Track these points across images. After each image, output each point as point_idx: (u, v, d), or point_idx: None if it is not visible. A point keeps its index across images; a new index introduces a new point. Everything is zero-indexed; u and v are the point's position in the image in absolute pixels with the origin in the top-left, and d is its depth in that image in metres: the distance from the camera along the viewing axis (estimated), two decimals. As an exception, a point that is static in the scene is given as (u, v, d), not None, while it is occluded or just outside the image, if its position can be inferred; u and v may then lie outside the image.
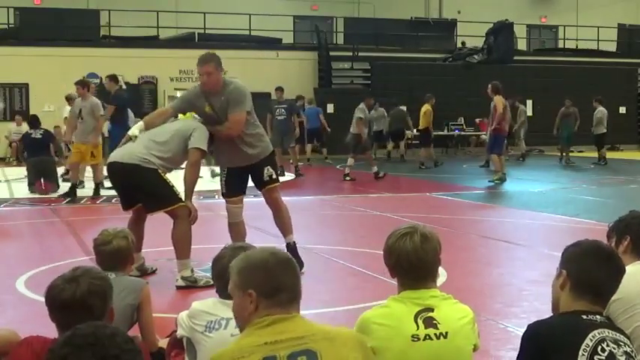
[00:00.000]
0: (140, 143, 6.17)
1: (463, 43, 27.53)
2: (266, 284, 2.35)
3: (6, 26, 23.82)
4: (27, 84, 22.44)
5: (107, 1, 25.06)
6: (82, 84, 12.52)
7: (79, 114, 12.25)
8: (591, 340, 2.46)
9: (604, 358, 2.44)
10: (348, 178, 15.37)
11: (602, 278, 2.61)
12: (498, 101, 14.48)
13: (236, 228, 6.52)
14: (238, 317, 2.41)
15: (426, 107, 18.72)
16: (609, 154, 21.48)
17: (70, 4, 24.43)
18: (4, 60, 21.54)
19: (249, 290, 2.34)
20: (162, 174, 6.11)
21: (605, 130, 19.78)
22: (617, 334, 2.53)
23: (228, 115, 6.25)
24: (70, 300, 2.50)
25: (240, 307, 2.38)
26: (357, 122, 15.90)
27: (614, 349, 2.46)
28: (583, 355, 2.44)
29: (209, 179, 13.35)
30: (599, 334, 2.48)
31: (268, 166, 6.52)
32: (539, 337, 2.54)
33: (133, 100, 14.30)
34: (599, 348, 2.45)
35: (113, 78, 13.69)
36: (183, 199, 6.18)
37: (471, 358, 2.81)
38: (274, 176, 6.56)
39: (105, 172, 12.85)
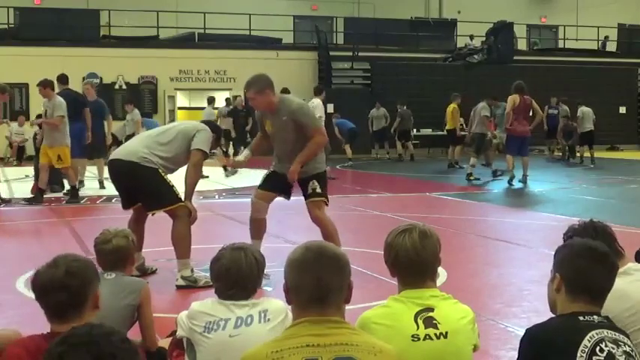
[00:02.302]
0: (142, 142, 6.19)
1: (471, 37, 27.39)
2: (292, 280, 2.39)
3: (6, 26, 23.82)
4: (27, 84, 22.43)
5: (107, 1, 25.07)
6: (43, 84, 11.76)
7: (45, 115, 11.76)
8: (589, 341, 2.46)
9: (603, 358, 2.44)
10: (472, 178, 15.20)
11: (596, 279, 2.60)
12: (509, 101, 14.37)
13: (256, 224, 6.47)
14: None
15: (452, 106, 18.68)
16: (610, 154, 21.50)
17: (70, 4, 24.44)
18: (4, 60, 21.54)
19: (284, 285, 2.41)
20: (163, 174, 6.11)
21: (587, 129, 19.66)
22: (617, 334, 2.53)
23: (308, 134, 6.24)
24: (48, 282, 2.54)
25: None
26: (483, 120, 15.83)
27: (613, 348, 2.46)
28: (581, 356, 2.44)
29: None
30: (597, 334, 2.48)
31: (314, 180, 6.40)
32: (537, 341, 2.53)
33: (74, 99, 12.90)
34: (598, 348, 2.45)
35: (60, 78, 13.02)
36: (182, 199, 6.18)
37: (471, 359, 2.81)
38: (318, 190, 6.41)
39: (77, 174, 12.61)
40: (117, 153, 6.31)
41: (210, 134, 6.27)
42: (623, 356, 2.46)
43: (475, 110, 16.52)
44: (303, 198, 6.53)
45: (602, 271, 2.61)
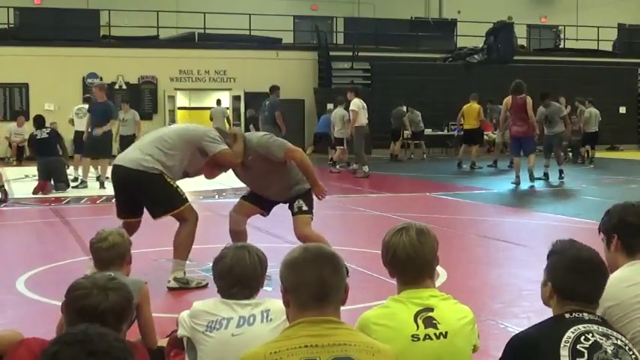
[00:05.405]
0: (145, 150, 6.06)
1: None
2: (292, 279, 2.40)
3: (6, 26, 23.82)
4: (27, 84, 22.45)
5: (107, 1, 25.06)
6: None
7: None
8: (573, 333, 2.45)
9: (588, 345, 2.42)
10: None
11: (586, 289, 2.61)
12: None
13: (234, 235, 6.31)
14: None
15: (477, 106, 18.48)
16: (610, 154, 21.44)
17: (70, 4, 24.42)
18: (4, 60, 21.53)
19: (281, 286, 2.43)
20: (168, 178, 6.04)
21: (592, 130, 19.60)
22: (609, 330, 2.51)
23: (279, 158, 6.09)
24: (90, 308, 2.47)
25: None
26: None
27: (601, 339, 2.44)
28: (565, 345, 2.43)
29: None
30: (583, 327, 2.47)
31: (299, 199, 6.30)
32: (520, 342, 2.54)
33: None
34: (583, 338, 2.44)
35: None
36: (188, 199, 6.16)
37: (471, 359, 2.81)
38: (304, 208, 6.30)
39: None
40: (121, 159, 6.20)
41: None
42: (612, 347, 2.44)
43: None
44: None
45: (592, 283, 2.62)
